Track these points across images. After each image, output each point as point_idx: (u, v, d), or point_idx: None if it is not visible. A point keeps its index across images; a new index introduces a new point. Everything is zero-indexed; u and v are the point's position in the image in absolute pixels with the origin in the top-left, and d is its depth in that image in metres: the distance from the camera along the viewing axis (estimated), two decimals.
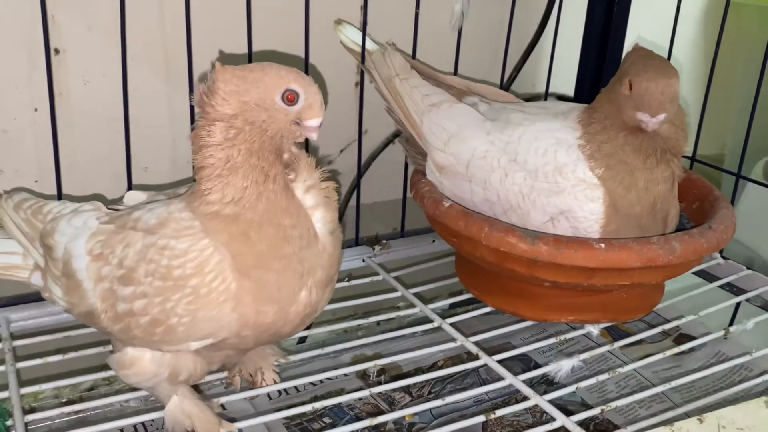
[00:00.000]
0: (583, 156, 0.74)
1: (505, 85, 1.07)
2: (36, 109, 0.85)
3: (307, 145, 0.92)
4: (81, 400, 0.78)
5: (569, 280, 0.73)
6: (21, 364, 0.69)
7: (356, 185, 1.00)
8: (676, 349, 0.80)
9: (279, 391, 0.82)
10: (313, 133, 0.61)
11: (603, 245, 0.70)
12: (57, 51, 0.85)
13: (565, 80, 1.13)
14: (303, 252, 0.61)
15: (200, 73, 0.83)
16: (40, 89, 0.79)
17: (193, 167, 0.61)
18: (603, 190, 0.73)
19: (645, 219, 0.75)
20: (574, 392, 0.76)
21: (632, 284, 0.74)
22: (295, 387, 0.83)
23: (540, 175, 0.75)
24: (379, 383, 0.79)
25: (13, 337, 0.74)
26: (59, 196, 0.81)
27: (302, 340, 0.99)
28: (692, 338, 0.89)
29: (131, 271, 0.60)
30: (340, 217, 1.08)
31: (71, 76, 0.86)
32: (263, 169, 0.59)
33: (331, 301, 0.87)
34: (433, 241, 0.99)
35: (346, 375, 0.85)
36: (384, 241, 0.97)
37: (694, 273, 0.95)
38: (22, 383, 0.67)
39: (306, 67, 0.87)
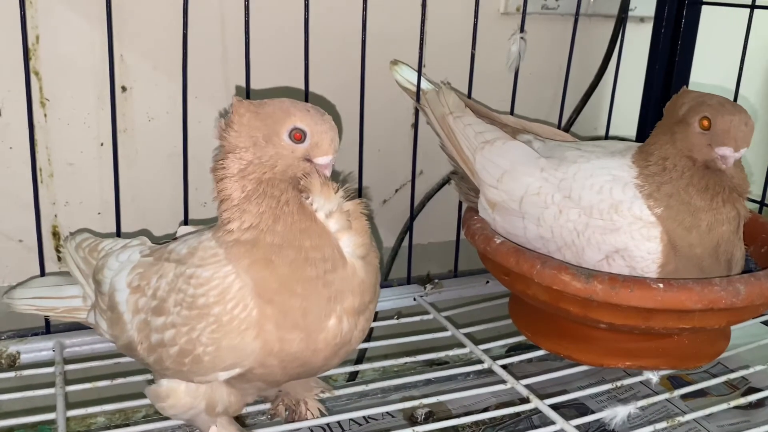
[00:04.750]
0: (640, 195, 0.72)
1: (564, 128, 1.06)
2: (102, 144, 0.88)
3: (360, 189, 0.92)
4: (126, 425, 0.79)
5: (625, 321, 0.70)
6: (70, 388, 0.70)
7: (409, 225, 0.99)
8: (742, 401, 0.75)
9: (323, 428, 0.80)
10: (325, 171, 0.60)
11: (661, 285, 0.67)
12: (124, 88, 0.88)
13: (627, 122, 1.11)
14: (328, 276, 0.59)
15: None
16: (107, 125, 0.82)
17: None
18: (661, 229, 0.71)
19: (707, 261, 0.71)
20: None
21: (693, 328, 0.71)
22: (339, 424, 0.82)
23: (595, 212, 0.73)
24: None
25: (66, 361, 0.75)
26: (118, 229, 0.83)
27: (353, 377, 0.98)
28: (761, 391, 0.84)
29: (163, 302, 0.61)
30: (394, 256, 1.08)
31: (137, 113, 0.89)
32: (275, 196, 0.59)
33: (380, 339, 0.86)
34: (487, 282, 0.97)
35: (392, 416, 0.83)
36: (436, 281, 0.95)
37: (761, 322, 0.90)
38: (69, 406, 0.68)
39: (361, 107, 0.88)
